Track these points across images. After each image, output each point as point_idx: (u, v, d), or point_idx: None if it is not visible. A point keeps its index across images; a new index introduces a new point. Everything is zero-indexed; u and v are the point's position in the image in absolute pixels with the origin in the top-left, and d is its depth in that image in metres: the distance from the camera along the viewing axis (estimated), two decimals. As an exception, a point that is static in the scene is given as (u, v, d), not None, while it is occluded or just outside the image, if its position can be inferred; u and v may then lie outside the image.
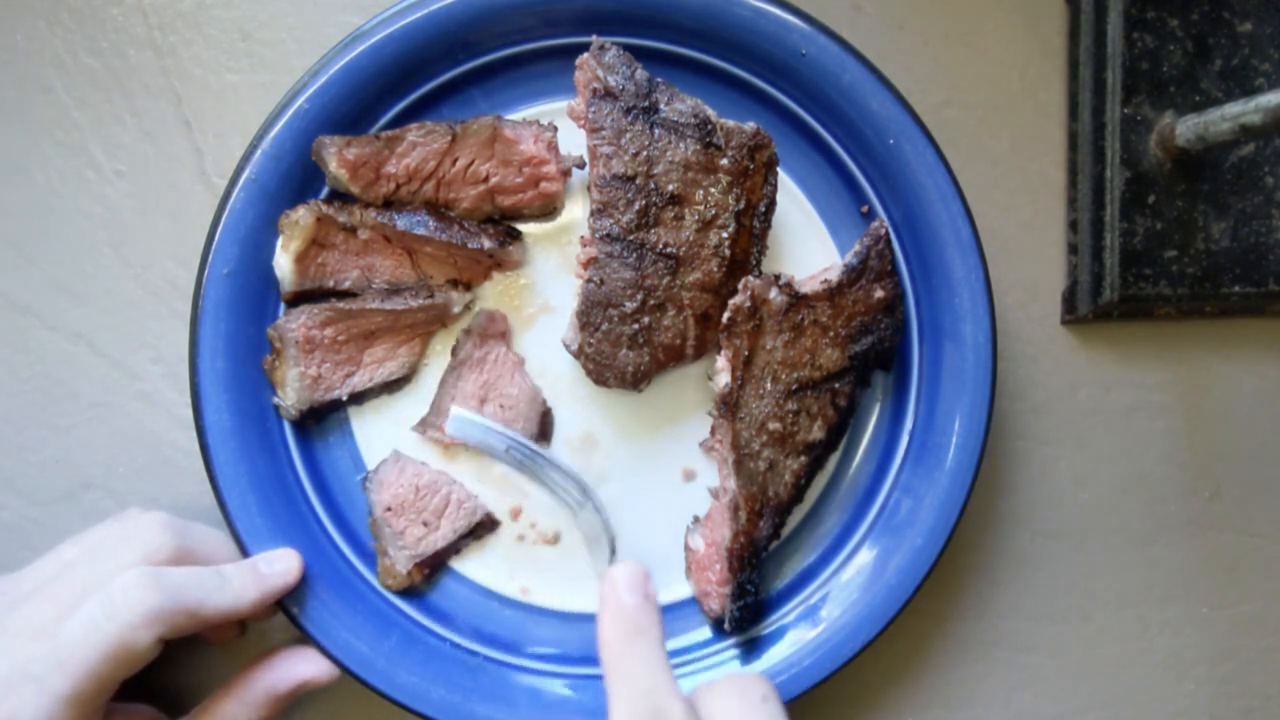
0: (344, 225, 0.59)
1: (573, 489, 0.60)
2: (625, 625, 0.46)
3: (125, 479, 0.63)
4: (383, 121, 0.61)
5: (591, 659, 0.60)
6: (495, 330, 0.61)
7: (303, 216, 0.58)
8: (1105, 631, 0.65)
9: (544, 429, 0.62)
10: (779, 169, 0.60)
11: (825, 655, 0.58)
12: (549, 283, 0.63)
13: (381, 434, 0.62)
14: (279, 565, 0.56)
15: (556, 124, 0.61)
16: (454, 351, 0.61)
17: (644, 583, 0.48)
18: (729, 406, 0.57)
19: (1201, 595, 0.66)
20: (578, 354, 0.59)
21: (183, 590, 0.51)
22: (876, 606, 0.59)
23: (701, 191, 0.58)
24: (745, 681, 0.47)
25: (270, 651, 0.57)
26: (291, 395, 0.59)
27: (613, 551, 0.60)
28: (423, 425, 0.61)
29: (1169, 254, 0.63)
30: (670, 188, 0.57)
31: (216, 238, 0.58)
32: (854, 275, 0.59)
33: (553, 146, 0.60)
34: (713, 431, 0.60)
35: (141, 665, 0.50)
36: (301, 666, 0.56)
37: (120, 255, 0.64)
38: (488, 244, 0.60)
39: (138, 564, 0.51)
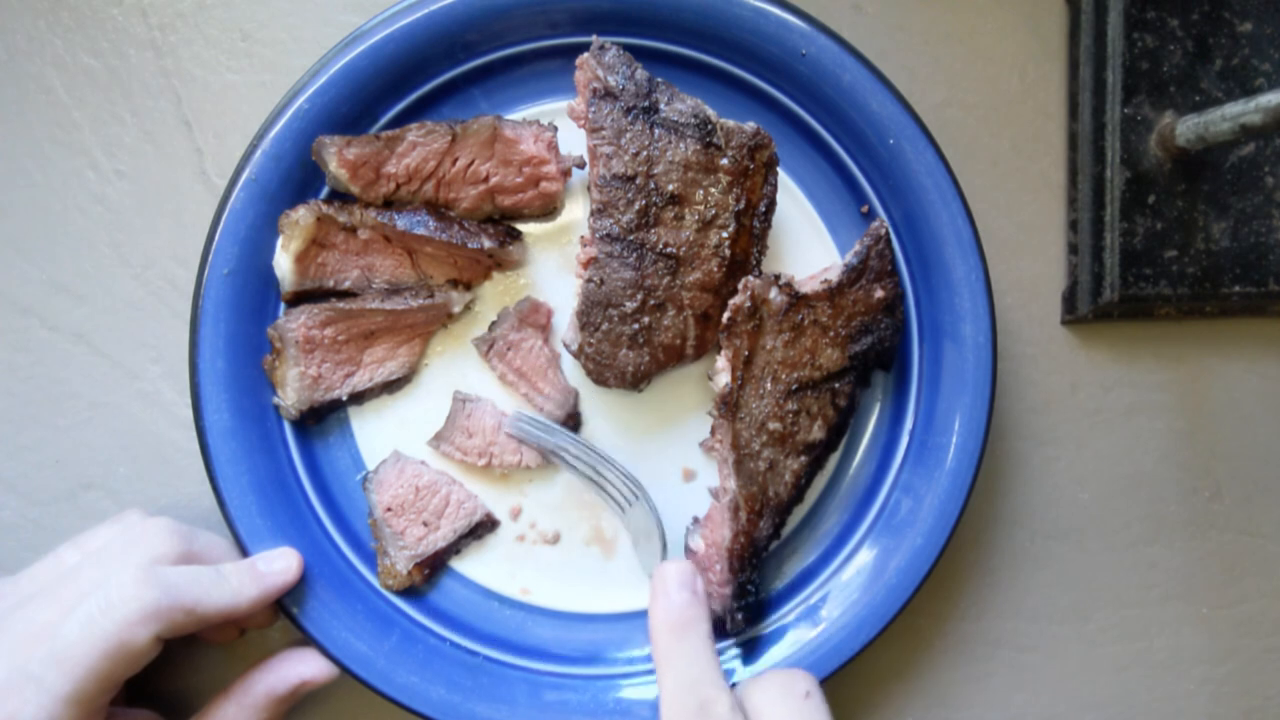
0: (344, 225, 0.59)
1: (625, 486, 0.60)
2: (675, 619, 0.49)
3: (125, 479, 0.63)
4: (383, 121, 0.61)
5: (591, 659, 0.60)
6: (537, 320, 0.61)
7: (303, 216, 0.58)
8: (1105, 631, 0.65)
9: (575, 429, 0.62)
10: (779, 169, 0.60)
11: (825, 655, 0.58)
12: (549, 283, 0.63)
13: (381, 434, 0.62)
14: (278, 564, 0.56)
15: (556, 124, 0.61)
16: (491, 326, 0.61)
17: (693, 579, 0.51)
18: (729, 406, 0.57)
19: (1201, 595, 0.66)
20: (578, 354, 0.59)
21: (180, 588, 0.51)
22: (876, 606, 0.59)
23: (701, 191, 0.58)
24: (789, 677, 0.49)
25: (269, 654, 0.57)
26: (291, 395, 0.59)
27: (664, 547, 0.60)
28: (437, 440, 0.61)
29: (1169, 254, 0.63)
30: (670, 188, 0.57)
31: (216, 238, 0.58)
32: (854, 275, 0.59)
33: (553, 146, 0.60)
34: (713, 431, 0.60)
35: (141, 665, 0.50)
36: (299, 667, 0.57)
37: (120, 255, 0.64)
38: (488, 244, 0.60)
39: (137, 566, 0.51)
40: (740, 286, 0.58)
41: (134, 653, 0.49)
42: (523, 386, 0.61)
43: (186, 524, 0.56)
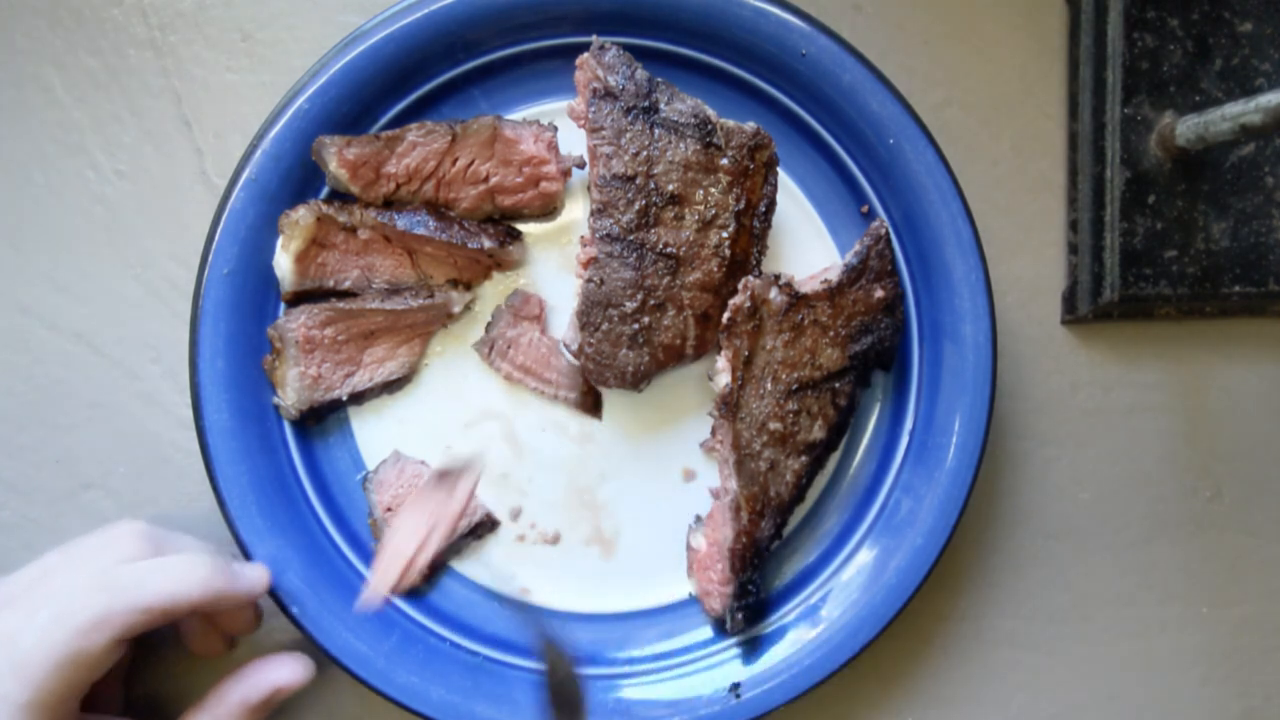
0: (344, 225, 0.59)
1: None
2: None
3: (125, 479, 0.63)
4: (383, 121, 0.61)
5: (592, 659, 0.60)
6: (530, 312, 0.62)
7: (303, 216, 0.58)
8: (1105, 631, 0.65)
9: (595, 404, 0.62)
10: (779, 169, 0.60)
11: (825, 655, 0.58)
12: (549, 283, 0.63)
13: (381, 434, 0.62)
14: (250, 571, 0.55)
15: (556, 124, 0.61)
16: (488, 327, 0.61)
17: None
18: (729, 406, 0.57)
19: (1201, 595, 0.66)
20: (578, 354, 0.59)
21: (127, 588, 0.49)
22: (876, 606, 0.59)
23: (701, 191, 0.58)
24: None
25: (244, 662, 0.56)
26: (291, 395, 0.59)
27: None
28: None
29: (1169, 254, 0.63)
30: (670, 188, 0.57)
31: (216, 238, 0.58)
32: (854, 275, 0.59)
33: (553, 146, 0.60)
34: (713, 432, 0.60)
35: (103, 669, 0.49)
36: (273, 674, 0.55)
37: (120, 255, 0.64)
38: (488, 244, 0.60)
39: (92, 573, 0.50)
40: (740, 286, 0.58)
41: (90, 660, 0.48)
42: (531, 381, 0.61)
43: (165, 529, 0.55)
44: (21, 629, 0.49)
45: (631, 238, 0.57)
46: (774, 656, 0.59)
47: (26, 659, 0.48)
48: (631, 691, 0.59)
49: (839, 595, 0.60)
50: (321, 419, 0.61)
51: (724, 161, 0.58)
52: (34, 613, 0.49)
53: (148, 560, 0.52)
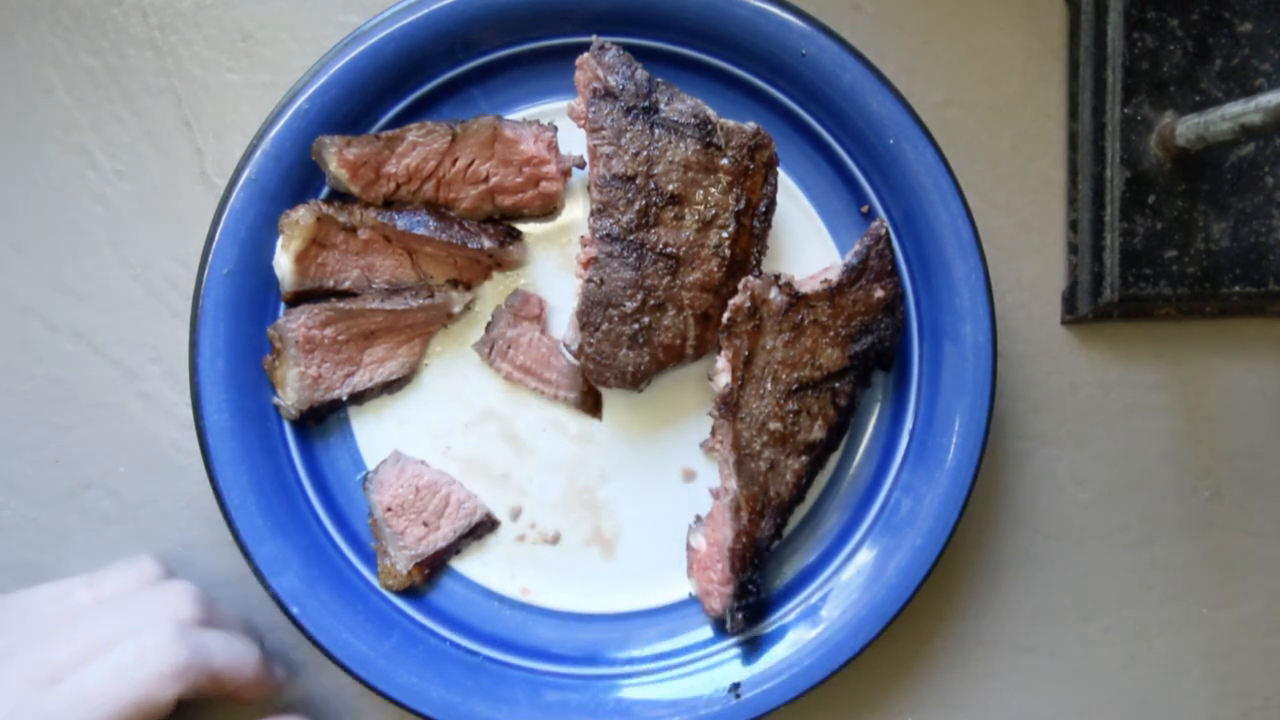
0: (344, 225, 0.59)
1: None
2: None
3: (125, 479, 0.63)
4: (383, 121, 0.61)
5: (591, 659, 0.60)
6: (530, 312, 0.62)
7: (303, 216, 0.58)
8: (1105, 631, 0.65)
9: (595, 404, 0.62)
10: (779, 169, 0.60)
11: (825, 655, 0.58)
12: (549, 283, 0.63)
13: (381, 434, 0.62)
14: (280, 669, 0.57)
15: (556, 124, 0.61)
16: (488, 328, 0.62)
17: None
18: (729, 406, 0.57)
19: (1201, 595, 0.66)
20: (578, 354, 0.59)
21: (210, 651, 0.51)
22: (876, 606, 0.59)
23: (701, 191, 0.58)
24: None
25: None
26: (291, 395, 0.59)
27: None
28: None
29: (1169, 254, 0.63)
30: (670, 188, 0.57)
31: (216, 238, 0.58)
32: (854, 275, 0.59)
33: (553, 146, 0.60)
34: (713, 432, 0.60)
35: None
36: None
37: (120, 255, 0.64)
38: (488, 244, 0.60)
39: (169, 623, 0.51)
40: (740, 286, 0.58)
41: (155, 708, 0.49)
42: (531, 381, 0.62)
43: (209, 594, 0.56)
44: (81, 663, 0.49)
45: (631, 238, 0.57)
46: (774, 656, 0.59)
47: (94, 694, 0.48)
48: (631, 691, 0.59)
49: (839, 595, 0.60)
50: (321, 419, 0.61)
51: (724, 161, 0.58)
52: (96, 650, 0.49)
53: (215, 632, 0.53)
